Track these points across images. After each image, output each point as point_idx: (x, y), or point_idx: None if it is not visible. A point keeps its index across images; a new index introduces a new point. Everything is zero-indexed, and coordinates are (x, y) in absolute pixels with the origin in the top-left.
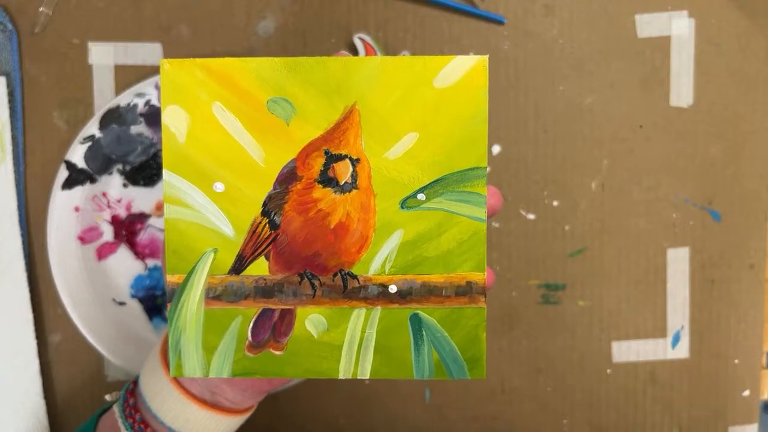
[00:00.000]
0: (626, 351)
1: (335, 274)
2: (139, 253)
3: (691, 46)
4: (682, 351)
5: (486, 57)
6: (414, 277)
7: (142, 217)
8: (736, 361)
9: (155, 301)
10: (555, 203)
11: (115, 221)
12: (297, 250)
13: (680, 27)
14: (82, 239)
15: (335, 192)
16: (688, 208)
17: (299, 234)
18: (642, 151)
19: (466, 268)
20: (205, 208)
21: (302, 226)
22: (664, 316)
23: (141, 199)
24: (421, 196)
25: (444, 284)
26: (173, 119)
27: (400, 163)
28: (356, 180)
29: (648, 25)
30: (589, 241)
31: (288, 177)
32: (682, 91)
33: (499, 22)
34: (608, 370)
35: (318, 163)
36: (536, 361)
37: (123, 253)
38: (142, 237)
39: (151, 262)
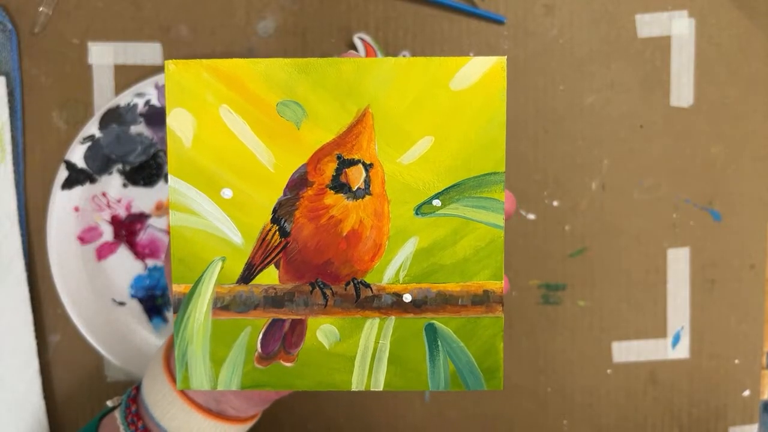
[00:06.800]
0: (626, 351)
1: (348, 283)
2: (138, 253)
3: (691, 46)
4: (683, 351)
5: (504, 58)
6: (429, 285)
7: (142, 217)
8: (737, 361)
9: (155, 301)
10: (555, 203)
11: (114, 221)
12: (308, 259)
13: (680, 27)
14: (82, 239)
15: (348, 198)
16: (688, 208)
17: (310, 242)
18: (642, 151)
19: (482, 277)
20: (213, 215)
21: (313, 233)
22: (665, 316)
23: (141, 199)
24: (436, 202)
25: (460, 293)
26: (179, 122)
27: (415, 168)
28: (369, 186)
29: (648, 25)
30: (589, 241)
31: (299, 183)
32: (682, 91)
33: (499, 22)
34: (608, 370)
35: (330, 168)
36: (536, 361)
37: (123, 253)
38: (142, 237)
39: (150, 262)
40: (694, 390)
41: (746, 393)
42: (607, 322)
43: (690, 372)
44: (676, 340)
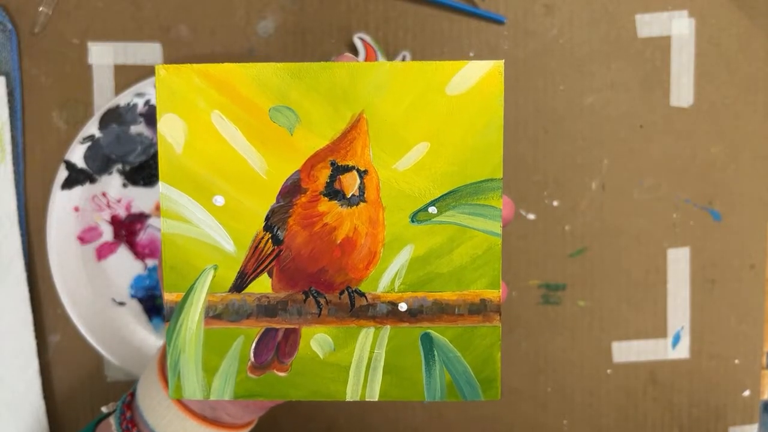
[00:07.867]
0: (626, 351)
1: (342, 292)
2: (138, 253)
3: (691, 46)
4: (683, 351)
5: (501, 62)
6: (425, 294)
7: (142, 217)
8: (736, 361)
9: (155, 301)
10: (555, 203)
11: (114, 221)
12: (302, 267)
13: (680, 27)
14: (82, 239)
15: (342, 205)
16: (688, 208)
17: (304, 249)
18: (642, 151)
19: (479, 285)
20: (205, 222)
21: (307, 241)
22: (665, 316)
23: (140, 199)
24: (432, 210)
25: (457, 302)
26: (170, 128)
27: (411, 175)
28: (364, 192)
29: (648, 25)
30: (589, 241)
31: (292, 189)
32: (682, 91)
33: (499, 22)
34: (608, 371)
35: (323, 174)
36: (536, 362)
37: (123, 253)
38: (142, 237)
39: (150, 262)
40: (694, 390)
41: (746, 393)
42: (607, 322)
43: (690, 372)
44: (676, 340)
